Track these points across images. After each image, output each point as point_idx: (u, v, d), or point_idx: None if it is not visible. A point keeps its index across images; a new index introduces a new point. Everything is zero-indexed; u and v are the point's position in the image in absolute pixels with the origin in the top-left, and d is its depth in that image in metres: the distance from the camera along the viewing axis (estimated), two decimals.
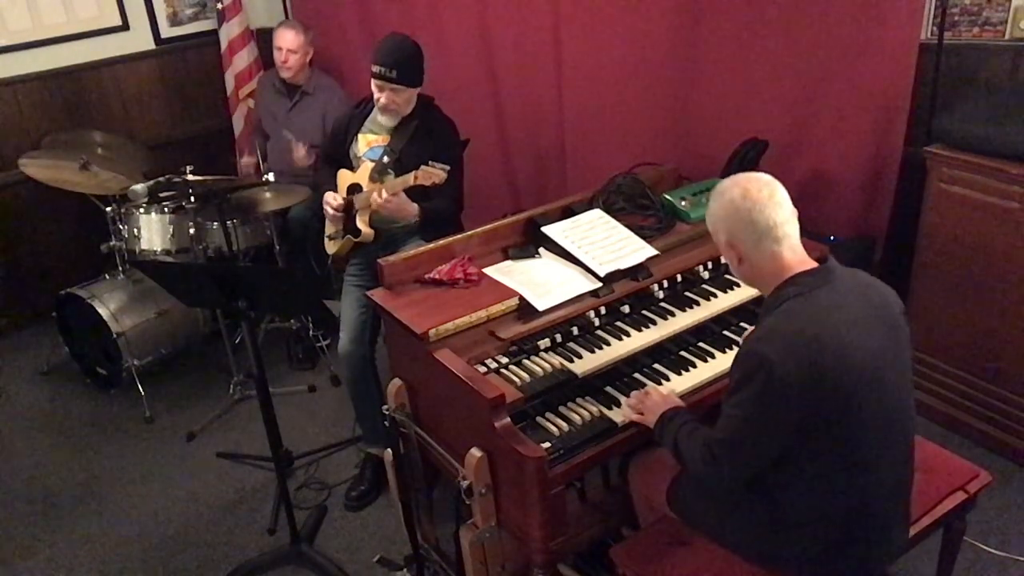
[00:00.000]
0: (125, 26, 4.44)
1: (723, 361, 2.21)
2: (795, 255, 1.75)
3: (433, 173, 2.54)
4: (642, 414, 1.98)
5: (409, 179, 2.60)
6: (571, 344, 2.22)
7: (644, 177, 2.74)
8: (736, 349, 2.23)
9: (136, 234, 3.62)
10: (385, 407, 2.32)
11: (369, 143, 2.94)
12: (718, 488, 1.88)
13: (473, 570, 2.16)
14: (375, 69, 2.75)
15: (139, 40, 4.50)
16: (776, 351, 1.62)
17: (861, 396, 1.65)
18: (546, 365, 2.12)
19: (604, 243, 2.42)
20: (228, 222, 3.24)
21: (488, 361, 2.13)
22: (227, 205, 3.19)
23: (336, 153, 3.06)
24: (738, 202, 1.74)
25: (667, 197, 2.65)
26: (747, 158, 2.97)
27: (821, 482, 1.71)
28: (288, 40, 3.94)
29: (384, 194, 2.67)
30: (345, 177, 2.97)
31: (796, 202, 1.79)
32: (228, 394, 3.67)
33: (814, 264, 1.75)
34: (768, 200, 1.73)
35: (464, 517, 2.16)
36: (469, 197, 3.01)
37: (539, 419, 2.03)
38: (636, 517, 2.24)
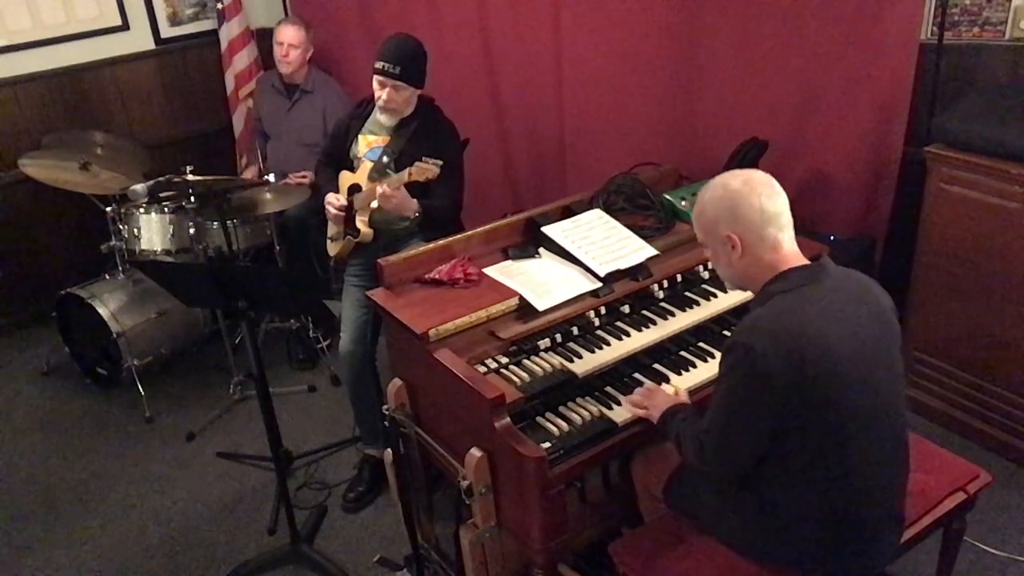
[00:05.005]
0: (125, 26, 4.44)
1: None
2: (793, 248, 1.76)
3: (426, 168, 2.55)
4: (647, 409, 1.98)
5: (404, 176, 2.61)
6: (571, 344, 2.22)
7: (644, 177, 2.74)
8: None
9: (136, 234, 3.62)
10: (385, 407, 2.32)
11: (369, 144, 2.94)
12: (714, 483, 1.88)
13: (473, 570, 2.16)
14: (378, 65, 2.76)
15: (139, 40, 4.51)
16: (759, 341, 1.62)
17: (847, 393, 1.64)
18: (546, 365, 2.12)
19: (604, 243, 2.42)
20: (228, 222, 3.24)
21: (488, 361, 2.14)
22: (227, 205, 3.19)
23: (336, 154, 3.06)
24: (742, 189, 1.73)
25: (667, 197, 2.65)
26: (747, 158, 2.97)
27: (808, 481, 1.70)
28: (289, 35, 3.96)
29: (386, 188, 2.67)
30: (346, 178, 2.97)
31: (796, 202, 1.79)
32: (228, 394, 3.68)
33: (806, 261, 1.75)
34: (771, 188, 1.74)
35: (464, 517, 2.16)
36: (469, 197, 3.01)
37: (539, 419, 2.03)
38: (638, 513, 2.24)
